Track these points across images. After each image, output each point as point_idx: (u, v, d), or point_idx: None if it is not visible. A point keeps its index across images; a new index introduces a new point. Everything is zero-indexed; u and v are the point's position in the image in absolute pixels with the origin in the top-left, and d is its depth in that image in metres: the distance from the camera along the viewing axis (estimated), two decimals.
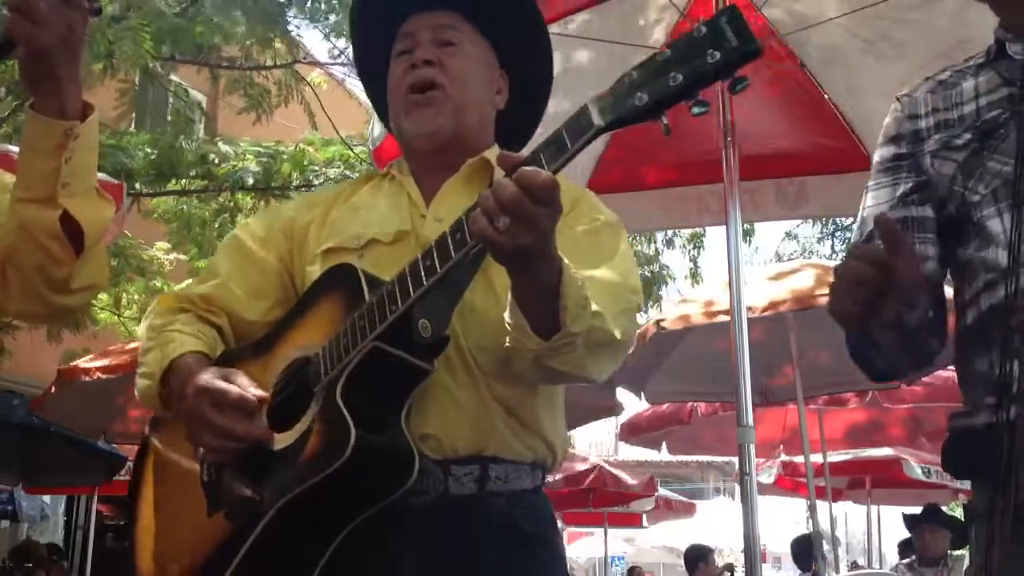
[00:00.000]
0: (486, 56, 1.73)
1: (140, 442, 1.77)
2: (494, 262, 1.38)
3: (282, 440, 1.46)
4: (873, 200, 1.57)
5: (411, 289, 1.36)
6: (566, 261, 1.37)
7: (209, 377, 1.48)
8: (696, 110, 1.20)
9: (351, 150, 7.32)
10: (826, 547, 6.97)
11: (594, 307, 1.40)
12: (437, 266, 1.34)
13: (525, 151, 1.33)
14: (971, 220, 1.43)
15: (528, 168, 1.24)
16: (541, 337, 1.38)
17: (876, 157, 1.61)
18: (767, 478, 9.23)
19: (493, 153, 1.68)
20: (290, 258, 1.71)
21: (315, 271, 1.63)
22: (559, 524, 15.21)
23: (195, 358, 1.57)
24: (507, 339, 1.44)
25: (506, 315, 1.43)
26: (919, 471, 8.42)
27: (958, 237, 1.48)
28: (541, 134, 1.84)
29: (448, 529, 1.48)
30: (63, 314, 1.53)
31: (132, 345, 6.77)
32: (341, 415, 1.38)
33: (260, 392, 1.48)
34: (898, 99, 1.61)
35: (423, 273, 1.35)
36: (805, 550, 7.44)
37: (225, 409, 1.46)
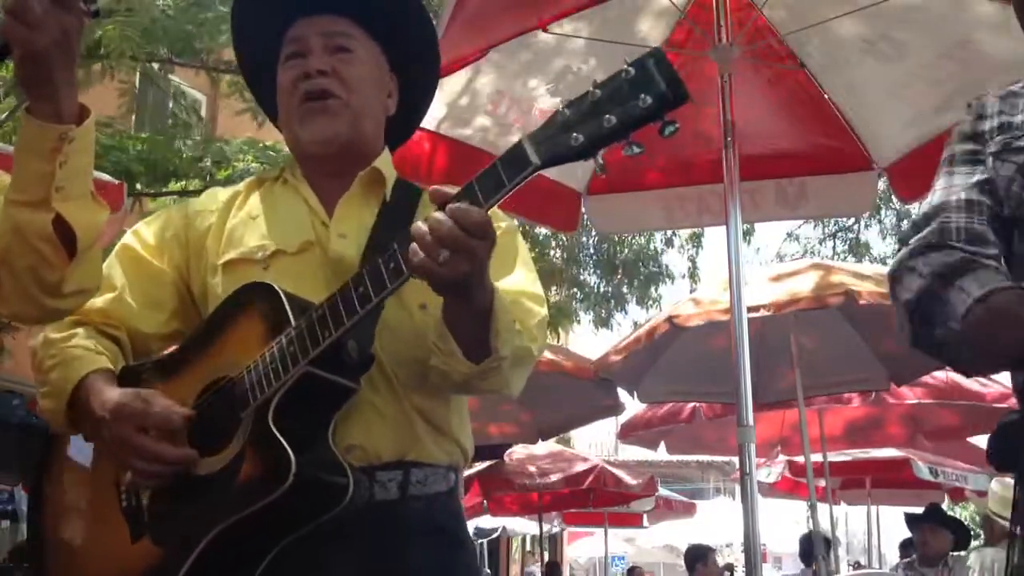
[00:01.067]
0: (378, 61, 1.71)
1: (37, 469, 1.69)
2: (409, 283, 1.40)
3: (210, 464, 1.46)
4: (945, 184, 1.56)
5: (344, 317, 1.37)
6: (496, 284, 1.41)
7: (128, 400, 1.46)
8: (630, 151, 1.22)
9: None
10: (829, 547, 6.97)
11: (517, 326, 1.46)
12: (372, 295, 1.35)
13: None
14: None
15: (460, 206, 1.28)
16: (471, 361, 1.43)
17: (948, 152, 1.62)
18: (770, 477, 9.23)
19: (384, 162, 1.69)
20: (186, 267, 1.67)
21: (217, 284, 1.61)
22: (559, 524, 15.24)
23: (103, 377, 1.53)
24: (434, 360, 1.48)
25: (434, 337, 1.47)
26: (927, 471, 8.43)
27: (1008, 238, 1.49)
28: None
29: (375, 534, 1.51)
30: (55, 317, 1.53)
31: None
32: (277, 442, 1.38)
33: (183, 410, 1.47)
34: (969, 104, 1.62)
35: (357, 301, 1.36)
36: (812, 548, 7.45)
37: (151, 433, 1.44)
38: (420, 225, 1.29)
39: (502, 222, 1.65)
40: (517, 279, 1.61)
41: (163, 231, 1.70)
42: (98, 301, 1.63)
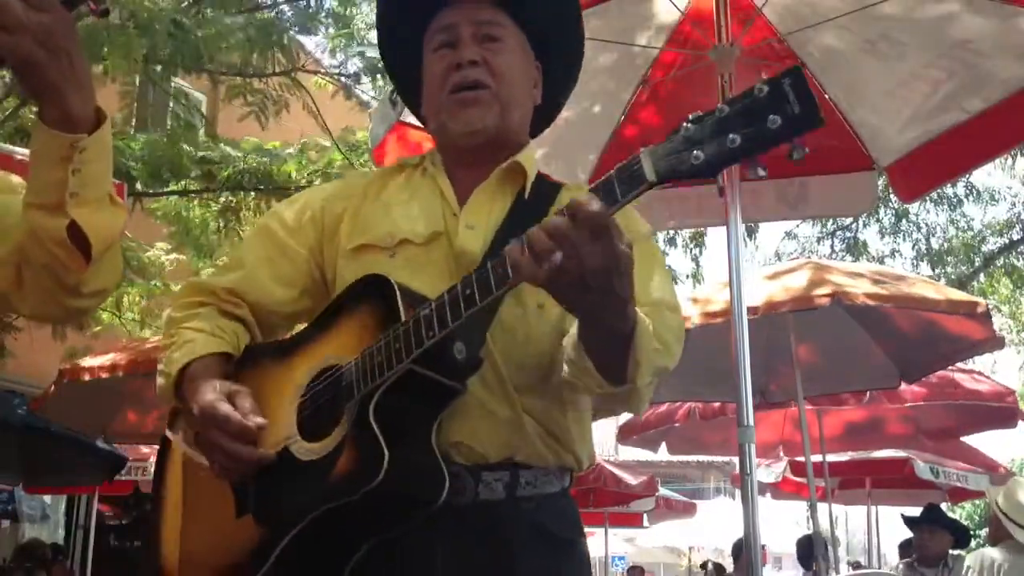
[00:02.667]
0: (525, 51, 1.70)
1: (159, 440, 1.77)
2: (526, 285, 1.37)
3: (312, 451, 1.47)
4: None
5: (449, 319, 1.34)
6: (640, 313, 1.35)
7: (213, 399, 1.48)
8: (754, 173, 1.17)
9: (347, 158, 7.32)
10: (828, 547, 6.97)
11: (657, 345, 1.41)
12: (477, 299, 1.32)
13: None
14: None
15: (580, 198, 1.20)
16: (606, 378, 1.39)
17: None
18: (770, 478, 9.22)
19: (526, 156, 1.67)
20: (319, 248, 1.69)
21: (346, 267, 1.62)
22: None
23: (209, 364, 1.57)
24: (567, 371, 1.45)
25: (568, 347, 1.44)
26: (927, 471, 8.43)
27: None
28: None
29: (480, 532, 1.49)
30: (77, 317, 1.53)
31: (132, 345, 6.77)
32: (374, 436, 1.37)
33: (260, 420, 1.47)
34: None
35: (463, 303, 1.33)
36: (810, 550, 7.44)
37: (229, 436, 1.46)
38: (533, 229, 1.23)
39: (638, 227, 1.62)
40: (656, 288, 1.55)
41: (302, 213, 1.72)
42: (226, 280, 1.68)
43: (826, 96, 3.70)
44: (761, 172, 1.16)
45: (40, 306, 1.44)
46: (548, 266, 1.21)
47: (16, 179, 1.45)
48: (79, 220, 1.33)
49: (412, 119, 3.58)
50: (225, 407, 1.47)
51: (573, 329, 1.42)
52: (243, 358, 1.64)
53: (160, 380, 1.62)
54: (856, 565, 13.98)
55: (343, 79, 7.55)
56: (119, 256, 1.48)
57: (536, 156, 1.72)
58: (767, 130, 1.13)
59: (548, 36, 1.74)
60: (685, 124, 1.18)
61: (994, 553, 5.25)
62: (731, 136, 1.14)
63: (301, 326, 1.71)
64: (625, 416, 7.59)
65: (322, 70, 7.79)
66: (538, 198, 1.63)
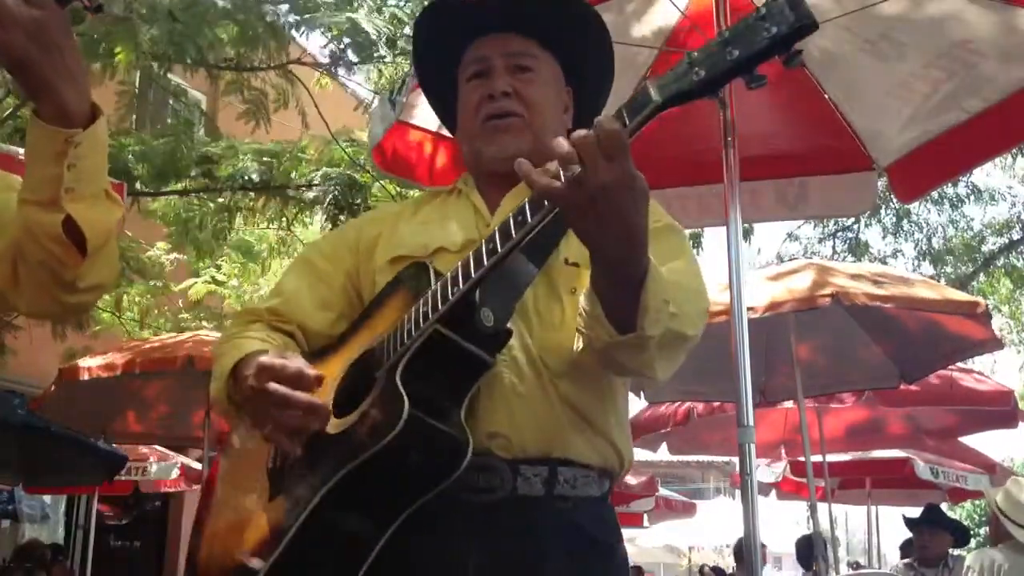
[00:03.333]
0: (556, 77, 1.76)
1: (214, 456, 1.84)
2: (558, 268, 1.42)
3: (342, 424, 1.48)
4: None
5: (472, 271, 1.37)
6: (653, 260, 1.37)
7: (267, 357, 1.49)
8: (754, 85, 1.22)
9: (345, 153, 7.31)
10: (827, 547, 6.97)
11: (672, 308, 1.41)
12: (498, 247, 1.35)
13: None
14: None
15: (604, 118, 1.25)
16: (616, 329, 1.39)
17: None
18: (771, 478, 9.22)
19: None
20: (356, 272, 1.75)
21: (383, 279, 1.66)
22: None
23: (258, 355, 1.58)
24: (580, 323, 1.46)
25: (582, 301, 1.45)
26: (927, 471, 8.43)
27: None
28: None
29: (515, 526, 1.49)
30: (73, 312, 1.53)
31: (132, 345, 6.78)
32: (398, 392, 1.39)
33: (316, 372, 1.47)
34: None
35: (485, 255, 1.37)
36: (810, 550, 7.43)
37: (284, 383, 1.45)
38: (559, 138, 1.27)
39: (663, 218, 1.66)
40: (681, 268, 1.56)
41: (338, 241, 1.82)
42: (269, 303, 1.75)
43: (826, 96, 3.70)
44: (760, 83, 1.21)
45: (36, 302, 1.44)
46: (567, 177, 1.24)
47: (16, 178, 1.45)
48: (75, 215, 1.33)
49: (412, 119, 3.59)
50: (279, 359, 1.47)
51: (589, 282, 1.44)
52: None
53: (214, 386, 1.65)
54: (856, 565, 13.99)
55: (342, 69, 7.53)
56: (115, 252, 1.47)
57: None
58: (763, 39, 1.18)
59: (578, 61, 1.79)
60: (689, 52, 1.24)
61: (995, 553, 5.25)
62: (729, 50, 1.21)
63: None
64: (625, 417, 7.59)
65: (319, 68, 7.78)
66: None
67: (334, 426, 1.48)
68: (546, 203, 1.30)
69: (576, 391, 1.55)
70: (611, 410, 1.61)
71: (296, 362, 1.48)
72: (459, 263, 1.41)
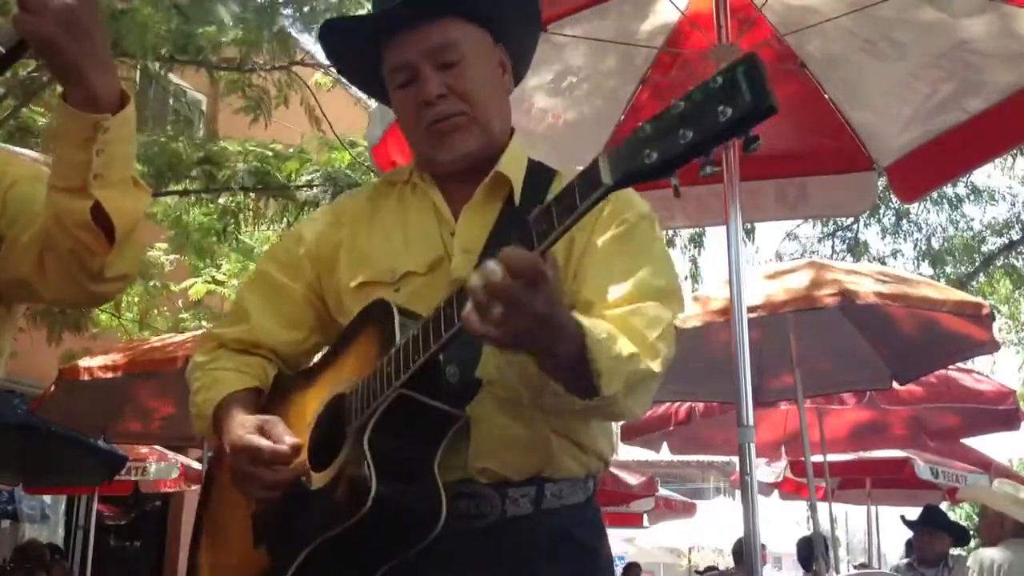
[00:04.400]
0: (486, 49, 1.66)
1: (205, 476, 1.82)
2: None
3: (319, 480, 1.47)
4: None
5: (432, 340, 1.31)
6: (585, 323, 1.31)
7: (243, 433, 1.49)
8: (706, 171, 1.12)
9: (349, 152, 7.31)
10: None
11: (626, 352, 1.37)
12: (456, 318, 1.27)
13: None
14: None
15: (510, 249, 1.17)
16: (581, 398, 1.37)
17: None
18: (771, 478, 9.21)
19: (509, 159, 1.64)
20: (318, 282, 1.70)
21: (352, 304, 1.61)
22: None
23: (239, 399, 1.60)
24: (545, 397, 1.43)
25: (536, 378, 1.41)
26: (927, 471, 8.42)
27: None
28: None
29: (507, 547, 1.50)
30: (98, 301, 1.54)
31: (132, 346, 6.77)
32: (366, 464, 1.36)
33: (293, 440, 1.46)
34: None
35: (444, 323, 1.30)
36: (811, 550, 7.43)
37: (261, 465, 1.46)
38: (475, 276, 1.18)
39: (628, 212, 1.59)
40: (639, 279, 1.51)
41: (296, 247, 1.73)
42: (232, 331, 1.70)
43: (826, 96, 3.70)
44: (710, 170, 1.12)
45: (62, 292, 1.45)
46: (494, 319, 1.18)
47: (46, 170, 1.46)
48: (103, 202, 1.34)
49: None
50: (254, 438, 1.47)
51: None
52: (272, 389, 1.67)
53: (197, 423, 1.65)
54: (863, 566, 13.97)
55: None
56: (141, 243, 1.48)
57: (519, 151, 1.69)
58: (717, 123, 1.07)
59: (501, 15, 1.68)
60: (642, 124, 1.15)
61: (994, 553, 5.26)
62: (682, 131, 1.10)
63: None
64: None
65: (321, 67, 7.78)
66: (531, 196, 1.61)
67: (312, 479, 1.48)
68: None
69: (562, 419, 1.53)
70: (596, 425, 1.60)
71: (272, 437, 1.46)
72: (421, 324, 1.35)
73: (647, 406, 1.51)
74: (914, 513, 6.98)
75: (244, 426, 1.50)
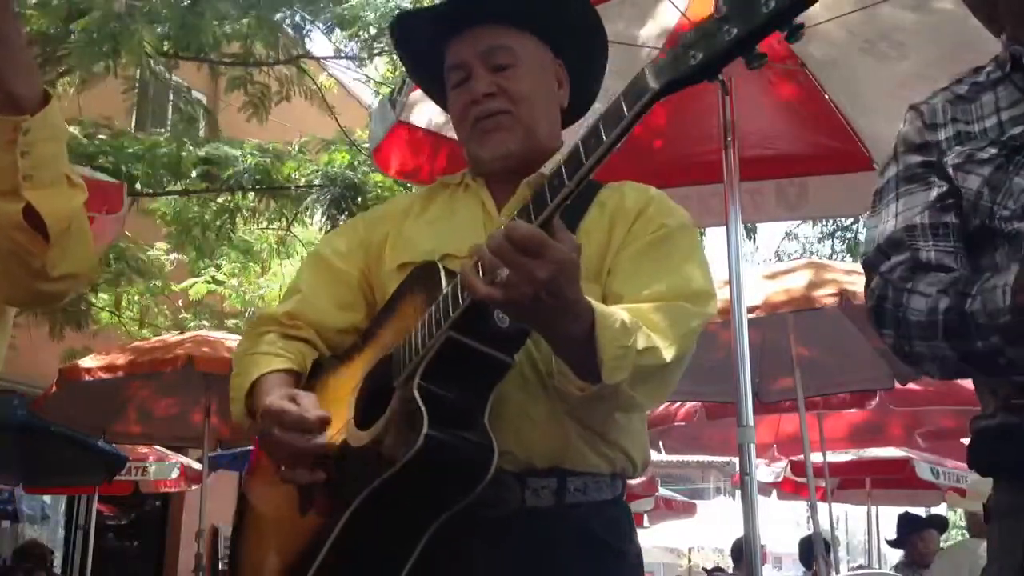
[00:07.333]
0: (542, 59, 1.71)
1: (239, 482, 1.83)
2: None
3: (364, 437, 1.47)
4: (905, 206, 1.52)
5: None
6: (598, 308, 1.34)
7: (274, 399, 1.51)
8: (754, 64, 1.15)
9: (355, 146, 7.30)
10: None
11: (642, 344, 1.38)
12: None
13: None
14: (1001, 233, 1.41)
15: (513, 221, 1.24)
16: (586, 381, 1.38)
17: (899, 166, 1.59)
18: (771, 478, 9.21)
19: (553, 163, 1.67)
20: (368, 271, 1.73)
21: (393, 285, 1.63)
22: None
23: (274, 378, 1.61)
24: (554, 378, 1.45)
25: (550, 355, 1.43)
26: (927, 471, 8.42)
27: (977, 250, 1.46)
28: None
29: (525, 539, 1.48)
30: (48, 300, 1.54)
31: (132, 345, 6.78)
32: (417, 407, 1.37)
33: (321, 412, 1.48)
34: (914, 108, 1.60)
35: None
36: (812, 550, 7.44)
37: (288, 428, 1.47)
38: (478, 244, 1.26)
39: (669, 219, 1.62)
40: (677, 281, 1.53)
41: (351, 237, 1.79)
42: (284, 305, 1.73)
43: (826, 96, 3.70)
44: (761, 62, 1.14)
45: (11, 291, 1.46)
46: (499, 282, 1.23)
47: None
48: (33, 202, 1.34)
49: (413, 119, 3.59)
50: (283, 403, 1.49)
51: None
52: (311, 373, 1.67)
53: (233, 407, 1.66)
54: (860, 567, 13.97)
55: (350, 61, 7.52)
56: (86, 239, 1.47)
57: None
58: (760, 15, 1.09)
59: (560, 32, 1.74)
60: (686, 34, 1.17)
61: (973, 544, 5.41)
62: (726, 28, 1.12)
63: None
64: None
65: (324, 60, 7.78)
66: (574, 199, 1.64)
67: (356, 439, 1.48)
68: (550, 200, 1.27)
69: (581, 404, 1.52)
70: (621, 417, 1.59)
71: (300, 405, 1.48)
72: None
73: (661, 399, 1.53)
74: (915, 514, 7.01)
75: (274, 394, 1.53)
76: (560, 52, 1.74)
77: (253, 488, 1.75)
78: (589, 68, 1.81)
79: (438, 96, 1.84)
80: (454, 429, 1.38)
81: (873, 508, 10.25)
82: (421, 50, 1.78)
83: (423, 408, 1.36)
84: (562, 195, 1.25)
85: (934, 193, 1.50)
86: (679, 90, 1.19)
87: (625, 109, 1.21)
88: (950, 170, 1.48)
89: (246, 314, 9.42)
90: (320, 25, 6.64)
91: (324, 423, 1.47)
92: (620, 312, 1.39)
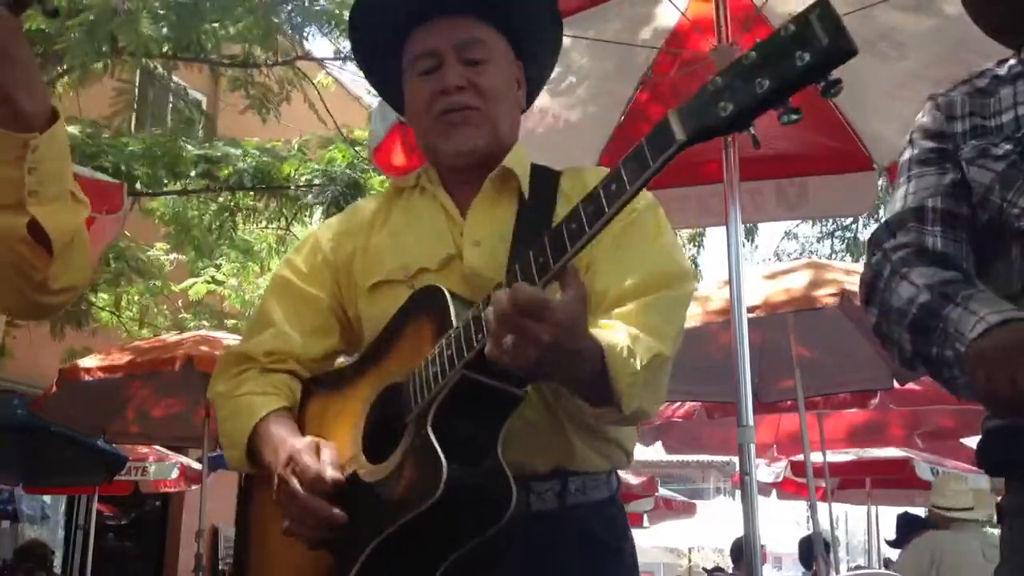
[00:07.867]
0: (508, 59, 1.69)
1: (240, 482, 1.77)
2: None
3: (376, 473, 1.45)
4: (916, 187, 1.52)
5: None
6: (604, 342, 1.33)
7: (299, 449, 1.49)
8: (785, 119, 1.11)
9: (352, 148, 7.30)
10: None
11: (646, 358, 1.38)
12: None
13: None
14: (1011, 229, 1.41)
15: (515, 286, 1.22)
16: (599, 407, 1.38)
17: (914, 150, 1.58)
18: (771, 478, 9.22)
19: (514, 157, 1.66)
20: (338, 289, 1.70)
21: (367, 306, 1.63)
22: None
23: (273, 422, 1.58)
24: (562, 401, 1.46)
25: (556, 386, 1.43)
26: (927, 471, 8.43)
27: (985, 246, 1.46)
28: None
29: (532, 543, 1.49)
30: (47, 312, 1.55)
31: (132, 345, 6.78)
32: (433, 449, 1.34)
33: (336, 475, 1.45)
34: (933, 99, 1.60)
35: None
36: (812, 550, 7.45)
37: (304, 485, 1.45)
38: (489, 309, 1.24)
39: (637, 202, 1.56)
40: (650, 267, 1.52)
41: (313, 256, 1.73)
42: (261, 340, 1.69)
43: None
44: (794, 117, 1.10)
45: (11, 303, 1.47)
46: (507, 345, 1.22)
47: None
48: (39, 218, 1.36)
49: None
50: (307, 458, 1.46)
51: None
52: (304, 392, 1.65)
53: (229, 451, 1.62)
54: (858, 568, 13.96)
55: (349, 63, 7.51)
56: (86, 253, 1.49)
57: (522, 151, 1.71)
58: (796, 68, 1.06)
59: (525, 35, 1.72)
60: (713, 78, 1.13)
61: (941, 536, 5.64)
62: (759, 80, 1.08)
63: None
64: None
65: (323, 61, 7.78)
66: (540, 192, 1.63)
67: (368, 473, 1.46)
68: (569, 247, 1.24)
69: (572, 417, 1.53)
70: None
71: (320, 461, 1.46)
72: (480, 305, 1.34)
73: (662, 400, 1.53)
74: (916, 513, 7.00)
75: (299, 440, 1.51)
76: (520, 55, 1.73)
77: (258, 499, 1.70)
78: (540, 75, 1.81)
79: (381, 85, 1.81)
80: (472, 468, 1.37)
81: (873, 508, 10.25)
82: (376, 37, 1.73)
83: (440, 453, 1.34)
84: (581, 242, 1.23)
85: (948, 178, 1.50)
86: (707, 140, 1.16)
87: (650, 159, 1.17)
88: (964, 163, 1.48)
89: (246, 314, 9.42)
90: (319, 26, 6.63)
91: (338, 485, 1.45)
92: (619, 334, 1.38)
